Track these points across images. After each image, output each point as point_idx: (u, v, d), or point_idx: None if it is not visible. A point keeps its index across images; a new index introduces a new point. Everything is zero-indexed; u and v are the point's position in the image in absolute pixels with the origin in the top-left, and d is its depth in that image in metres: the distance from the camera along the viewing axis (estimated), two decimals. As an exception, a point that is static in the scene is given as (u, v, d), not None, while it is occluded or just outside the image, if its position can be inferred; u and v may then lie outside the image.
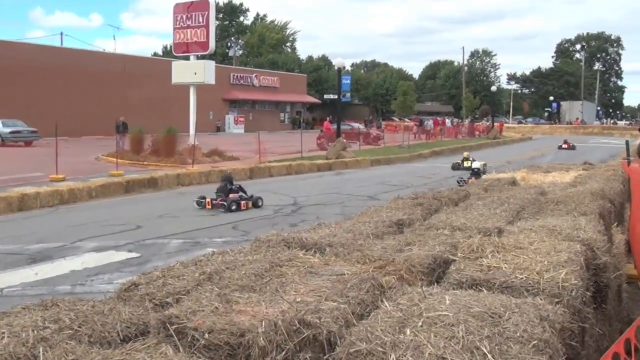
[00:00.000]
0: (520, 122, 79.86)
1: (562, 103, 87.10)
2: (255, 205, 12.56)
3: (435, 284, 3.25)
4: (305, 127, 57.67)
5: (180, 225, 10.42)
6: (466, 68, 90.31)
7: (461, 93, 75.31)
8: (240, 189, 12.68)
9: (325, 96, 59.63)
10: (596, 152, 32.51)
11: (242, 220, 11.13)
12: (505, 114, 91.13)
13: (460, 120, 59.72)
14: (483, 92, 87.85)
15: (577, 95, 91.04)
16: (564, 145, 36.34)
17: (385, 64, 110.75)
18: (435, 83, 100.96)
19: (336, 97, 34.59)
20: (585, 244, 3.88)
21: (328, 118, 35.93)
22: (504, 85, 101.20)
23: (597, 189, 6.98)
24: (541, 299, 2.80)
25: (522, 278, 3.07)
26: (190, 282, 3.01)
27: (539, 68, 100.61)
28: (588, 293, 3.25)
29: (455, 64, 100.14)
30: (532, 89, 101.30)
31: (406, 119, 58.26)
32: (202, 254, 3.71)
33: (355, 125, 41.25)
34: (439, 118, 57.19)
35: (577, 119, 77.35)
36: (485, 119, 59.93)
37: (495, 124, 52.54)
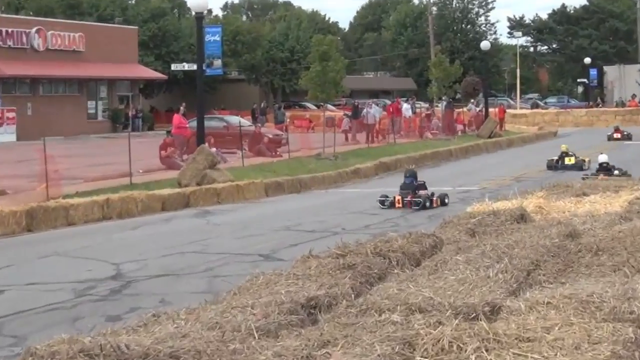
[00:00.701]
0: (535, 105, 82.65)
1: (606, 68, 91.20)
2: (443, 203, 20.17)
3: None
4: (141, 126, 56.90)
5: None
6: (435, 9, 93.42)
7: (428, 55, 77.63)
8: (425, 185, 20.40)
9: (175, 67, 59.51)
10: (668, 156, 34.38)
11: (12, 315, 10.82)
12: (508, 92, 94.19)
13: (429, 106, 61.07)
14: (467, 52, 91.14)
15: (631, 54, 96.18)
16: (616, 135, 43.43)
17: (288, 4, 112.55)
18: (382, 37, 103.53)
19: (195, 67, 34.65)
20: (644, 326, 4.16)
21: (180, 108, 35.77)
22: (504, 40, 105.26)
23: (666, 223, 7.74)
24: None
25: (529, 398, 3.13)
26: None
27: (564, 7, 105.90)
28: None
29: (416, 1, 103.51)
30: (554, 45, 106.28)
31: (329, 106, 58.79)
32: None
33: (234, 119, 41.44)
34: (389, 102, 57.76)
35: (635, 97, 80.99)
36: (472, 101, 61.60)
37: (492, 109, 54.19)
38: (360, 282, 5.84)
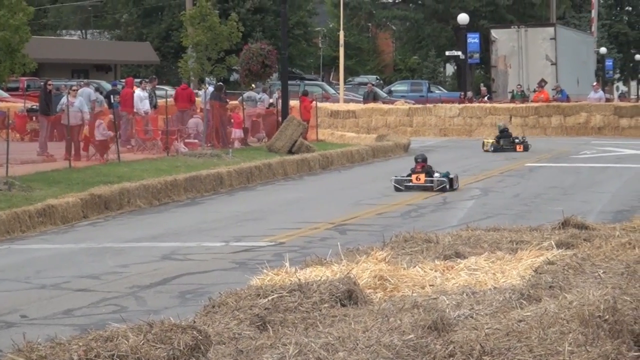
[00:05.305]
0: (372, 96, 51.56)
1: (494, 33, 61.97)
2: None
3: None
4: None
5: None
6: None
7: (181, 2, 55.56)
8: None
9: None
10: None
11: None
12: (323, 72, 67.82)
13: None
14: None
15: (538, 9, 74.27)
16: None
17: None
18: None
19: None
20: None
21: None
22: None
23: (595, 306, 6.72)
24: None
25: None
26: None
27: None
28: None
29: None
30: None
31: None
32: None
33: None
34: (112, 85, 38.97)
35: (544, 84, 48.78)
36: (253, 86, 41.43)
37: (294, 104, 38.31)
38: None
